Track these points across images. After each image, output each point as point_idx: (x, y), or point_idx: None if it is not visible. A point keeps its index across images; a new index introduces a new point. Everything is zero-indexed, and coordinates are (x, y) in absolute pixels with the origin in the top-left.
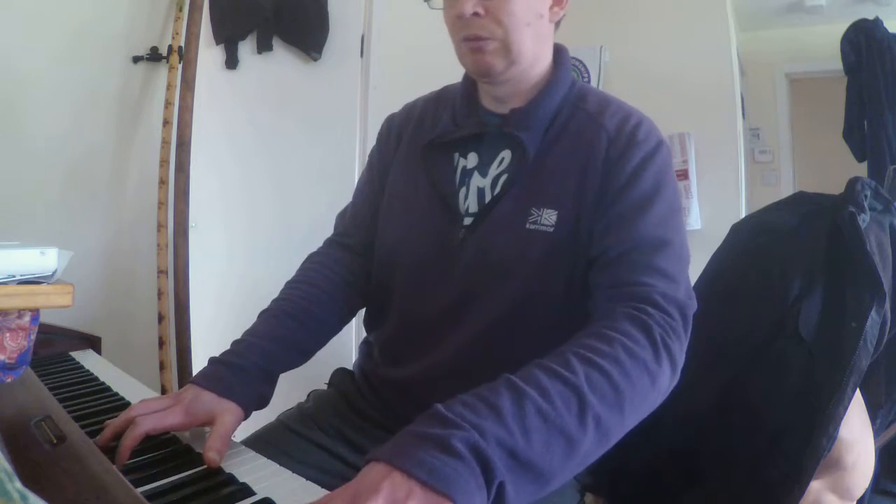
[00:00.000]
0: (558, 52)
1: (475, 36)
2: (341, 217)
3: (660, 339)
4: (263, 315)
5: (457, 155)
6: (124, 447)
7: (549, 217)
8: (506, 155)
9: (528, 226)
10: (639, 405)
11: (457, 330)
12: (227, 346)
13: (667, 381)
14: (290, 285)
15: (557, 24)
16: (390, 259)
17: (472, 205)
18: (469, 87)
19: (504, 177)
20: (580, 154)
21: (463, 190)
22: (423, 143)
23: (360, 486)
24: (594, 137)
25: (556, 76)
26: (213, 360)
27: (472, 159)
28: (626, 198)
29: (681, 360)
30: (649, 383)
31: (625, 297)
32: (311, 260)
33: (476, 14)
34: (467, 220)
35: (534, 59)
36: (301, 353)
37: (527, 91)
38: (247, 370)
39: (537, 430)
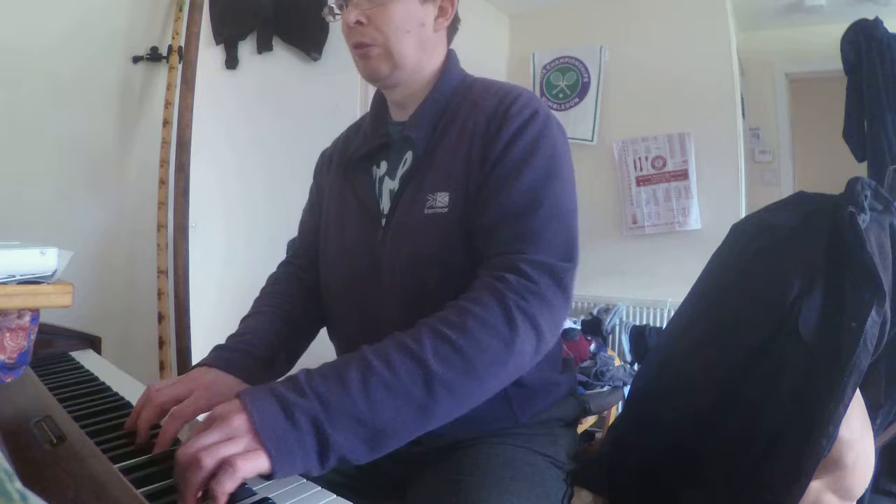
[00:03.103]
0: (448, 55)
1: (360, 43)
2: (291, 244)
3: (513, 305)
4: (252, 316)
5: (374, 167)
6: (165, 441)
7: (442, 199)
8: (408, 156)
9: (426, 211)
10: (496, 368)
11: (400, 329)
12: None
13: (530, 343)
14: (266, 296)
15: (451, 34)
16: (330, 275)
17: (385, 206)
18: (378, 103)
19: (406, 175)
20: (465, 138)
21: (380, 196)
22: (344, 163)
23: (218, 413)
24: (475, 121)
25: (442, 77)
26: (224, 347)
27: (384, 167)
28: (497, 169)
29: (547, 322)
30: (502, 347)
31: (491, 266)
32: (275, 278)
33: (359, 22)
34: (383, 221)
35: (418, 63)
36: (288, 358)
37: (419, 95)
38: (262, 359)
39: (382, 400)
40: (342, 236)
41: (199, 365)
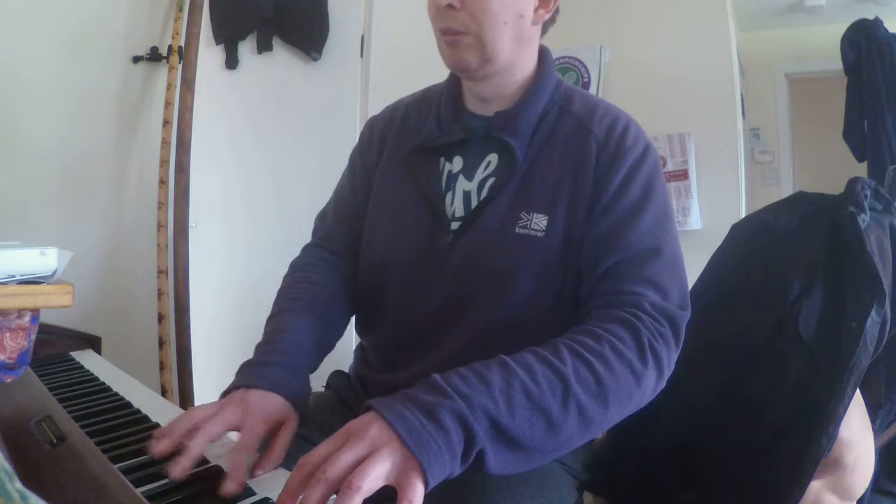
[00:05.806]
0: (542, 53)
1: (450, 29)
2: (321, 220)
3: (647, 343)
4: (282, 315)
5: (442, 159)
6: (187, 464)
7: (539, 222)
8: (492, 159)
9: (517, 230)
10: (623, 401)
11: (449, 334)
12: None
13: (652, 383)
14: (296, 286)
15: (546, 28)
16: (380, 264)
17: (458, 209)
18: (454, 88)
19: (491, 180)
20: (571, 160)
21: (449, 194)
22: (408, 147)
23: (352, 428)
24: (584, 144)
25: (541, 79)
26: (259, 363)
27: (457, 163)
28: (617, 208)
29: (668, 365)
30: (633, 382)
31: (616, 303)
32: (303, 264)
33: (451, 6)
34: (455, 225)
35: (513, 59)
36: (323, 354)
37: (511, 94)
38: (299, 369)
39: (521, 407)
40: (395, 230)
41: (235, 386)
